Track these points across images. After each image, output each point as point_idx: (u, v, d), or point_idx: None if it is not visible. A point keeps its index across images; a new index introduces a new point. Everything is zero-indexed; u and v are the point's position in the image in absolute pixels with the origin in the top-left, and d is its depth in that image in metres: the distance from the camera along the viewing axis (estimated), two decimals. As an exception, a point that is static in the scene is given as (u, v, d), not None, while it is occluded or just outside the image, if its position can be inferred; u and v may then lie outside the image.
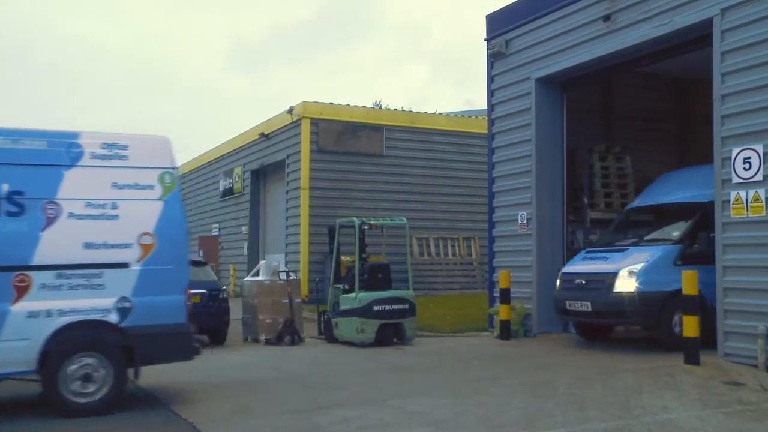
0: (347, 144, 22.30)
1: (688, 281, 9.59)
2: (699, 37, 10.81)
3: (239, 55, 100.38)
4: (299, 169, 21.93)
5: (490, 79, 14.63)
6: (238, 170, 27.26)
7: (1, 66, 78.84)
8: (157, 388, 9.09)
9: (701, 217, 11.13)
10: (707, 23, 10.28)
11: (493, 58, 14.47)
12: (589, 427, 6.68)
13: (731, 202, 9.87)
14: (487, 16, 14.78)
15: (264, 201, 26.47)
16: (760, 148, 9.53)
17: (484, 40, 14.69)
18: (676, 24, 10.82)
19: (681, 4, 10.74)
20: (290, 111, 22.15)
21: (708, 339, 9.95)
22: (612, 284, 10.97)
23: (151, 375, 10.03)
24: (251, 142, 25.90)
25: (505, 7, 14.35)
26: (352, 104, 23.17)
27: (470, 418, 7.15)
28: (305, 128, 21.84)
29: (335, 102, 22.80)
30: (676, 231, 11.55)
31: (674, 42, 11.41)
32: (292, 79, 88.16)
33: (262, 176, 26.35)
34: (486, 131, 15.43)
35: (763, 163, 9.48)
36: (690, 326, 9.52)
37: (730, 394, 7.99)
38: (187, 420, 7.34)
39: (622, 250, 11.58)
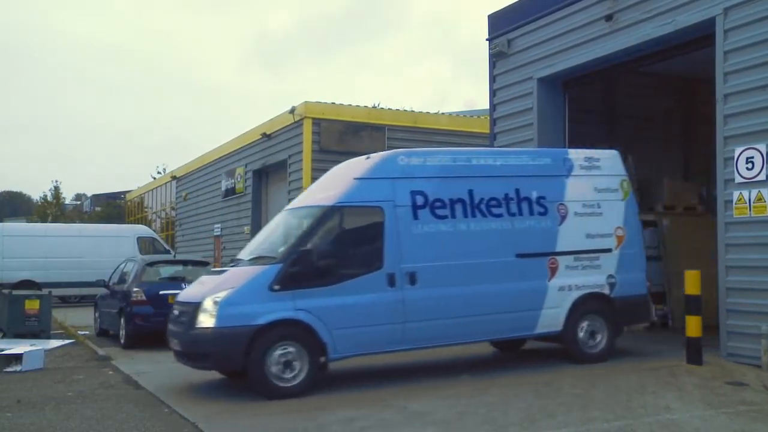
0: (349, 144, 22.25)
1: (691, 281, 9.57)
2: (701, 36, 10.79)
3: (259, 55, 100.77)
4: (301, 169, 21.91)
5: (492, 78, 14.62)
6: (240, 170, 27.24)
7: (5, 66, 78.99)
8: (158, 387, 9.10)
9: (317, 228, 8.90)
10: (710, 22, 10.26)
11: (495, 58, 14.45)
12: (591, 428, 6.67)
13: (734, 202, 9.85)
14: (489, 16, 14.77)
15: (266, 201, 26.45)
16: (763, 147, 9.52)
17: (486, 39, 14.67)
18: (678, 23, 10.79)
19: (683, 4, 10.72)
20: (292, 111, 22.11)
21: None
22: (195, 318, 8.47)
23: (152, 375, 10.05)
24: (253, 142, 25.88)
25: (508, 6, 14.34)
26: (354, 104, 23.18)
27: (473, 418, 7.14)
28: (307, 128, 21.83)
29: (337, 102, 22.82)
30: (283, 246, 9.01)
31: (677, 41, 11.39)
32: (309, 79, 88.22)
33: (264, 176, 26.33)
34: (488, 131, 15.42)
35: (766, 163, 9.46)
36: (692, 326, 9.49)
37: (733, 394, 7.97)
38: (189, 419, 7.34)
39: (222, 272, 9.45)
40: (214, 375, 9.91)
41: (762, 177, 9.51)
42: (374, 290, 8.82)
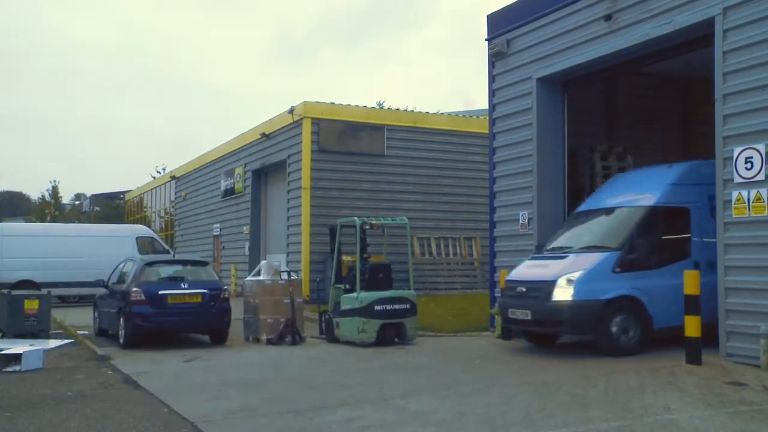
0: (348, 144, 22.29)
1: (690, 281, 9.57)
2: (701, 36, 10.80)
3: (276, 54, 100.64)
4: (300, 168, 21.92)
5: (492, 78, 14.63)
6: (239, 170, 27.25)
7: (5, 66, 78.83)
8: (157, 387, 9.09)
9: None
10: (709, 22, 10.27)
11: (494, 58, 14.46)
12: (591, 428, 6.67)
13: (733, 202, 9.86)
14: (488, 16, 14.78)
15: (265, 201, 26.47)
16: (761, 147, 9.52)
17: (485, 39, 14.68)
18: (677, 23, 10.81)
19: (683, 4, 10.73)
20: (291, 111, 22.13)
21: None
22: None
23: (151, 375, 10.05)
24: (252, 141, 25.90)
25: (507, 6, 14.35)
26: (353, 104, 23.20)
27: (473, 418, 7.14)
28: (306, 128, 21.84)
29: (337, 102, 22.82)
30: None
31: (676, 41, 11.41)
32: (326, 77, 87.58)
33: (263, 176, 26.35)
34: (487, 131, 15.43)
35: (765, 163, 9.47)
36: (691, 326, 9.50)
37: (732, 394, 7.98)
38: (188, 419, 7.34)
39: None
40: (213, 376, 9.92)
41: (761, 177, 9.52)
42: None
